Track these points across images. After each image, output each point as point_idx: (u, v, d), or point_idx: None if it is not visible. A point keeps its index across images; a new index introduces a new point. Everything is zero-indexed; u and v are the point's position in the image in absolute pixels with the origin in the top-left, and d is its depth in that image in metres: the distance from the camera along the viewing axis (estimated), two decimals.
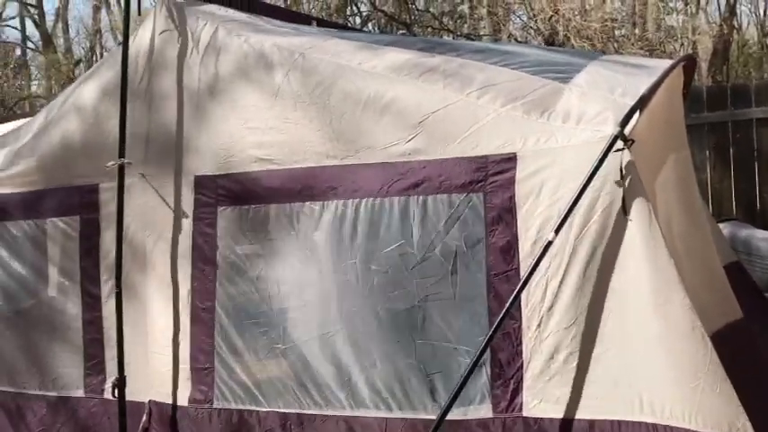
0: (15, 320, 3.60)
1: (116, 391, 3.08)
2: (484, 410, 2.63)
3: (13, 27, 19.54)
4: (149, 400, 3.19)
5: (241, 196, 3.04)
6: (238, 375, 3.02)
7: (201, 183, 3.12)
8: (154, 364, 3.20)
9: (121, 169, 3.13)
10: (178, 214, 3.16)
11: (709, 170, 6.54)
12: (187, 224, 3.14)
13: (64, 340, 3.44)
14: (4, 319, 3.64)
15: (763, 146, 6.54)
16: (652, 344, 2.40)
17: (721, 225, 4.69)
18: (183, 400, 3.12)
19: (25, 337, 3.56)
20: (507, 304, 2.49)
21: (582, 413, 2.51)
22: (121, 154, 3.12)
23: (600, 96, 2.62)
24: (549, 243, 2.47)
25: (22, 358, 3.57)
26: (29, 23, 19.60)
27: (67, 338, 3.43)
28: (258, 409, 2.97)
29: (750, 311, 3.30)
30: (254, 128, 3.00)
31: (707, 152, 6.55)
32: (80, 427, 3.39)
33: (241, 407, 3.00)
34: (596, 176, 2.46)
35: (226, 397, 3.04)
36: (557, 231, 2.46)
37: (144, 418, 3.18)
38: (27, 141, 3.54)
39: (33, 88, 19.14)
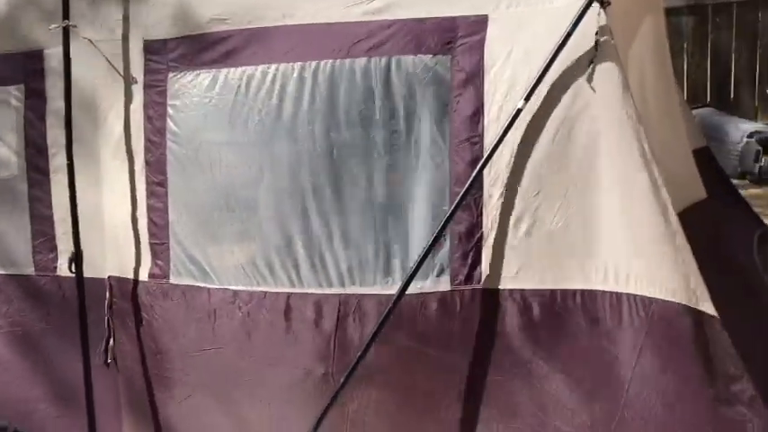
0: None
1: (73, 266, 2.97)
2: (442, 284, 2.57)
3: None
4: (109, 276, 3.11)
5: (193, 61, 2.86)
6: (192, 253, 2.94)
7: (151, 47, 2.93)
8: (112, 239, 3.09)
9: (66, 32, 2.89)
10: (128, 82, 2.98)
11: (686, 57, 6.46)
12: (138, 93, 2.97)
13: (9, 217, 3.30)
14: None
15: (743, 31, 6.39)
16: (617, 216, 2.35)
17: (695, 111, 4.65)
18: (143, 275, 3.04)
19: None
20: (471, 177, 2.39)
21: (543, 283, 2.47)
22: (65, 15, 2.88)
23: None
24: (519, 111, 2.36)
25: None
26: None
27: (13, 215, 3.29)
28: (210, 286, 2.90)
29: (715, 196, 3.29)
30: None
31: (684, 39, 6.42)
32: (31, 304, 3.30)
33: (193, 283, 2.93)
34: (569, 42, 2.33)
35: (180, 272, 2.97)
36: (527, 99, 2.35)
37: (107, 294, 3.11)
38: None
39: None
